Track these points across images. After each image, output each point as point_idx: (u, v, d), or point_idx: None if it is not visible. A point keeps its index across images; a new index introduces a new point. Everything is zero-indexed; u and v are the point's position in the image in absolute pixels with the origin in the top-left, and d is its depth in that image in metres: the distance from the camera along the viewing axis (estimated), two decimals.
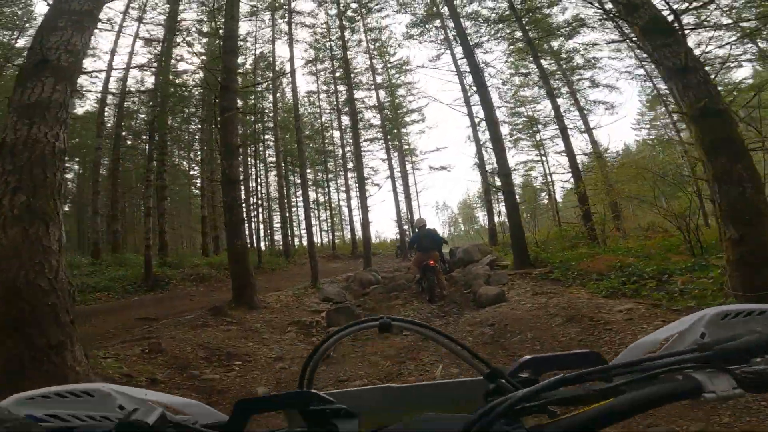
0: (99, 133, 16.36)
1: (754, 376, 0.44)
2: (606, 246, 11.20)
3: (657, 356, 0.47)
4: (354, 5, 18.11)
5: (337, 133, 27.51)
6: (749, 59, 13.64)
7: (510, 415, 0.42)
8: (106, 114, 18.77)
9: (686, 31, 4.40)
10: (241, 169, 23.93)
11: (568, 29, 16.05)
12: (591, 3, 8.46)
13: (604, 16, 13.39)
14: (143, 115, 16.95)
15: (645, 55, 17.39)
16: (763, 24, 9.89)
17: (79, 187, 25.79)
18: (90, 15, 3.84)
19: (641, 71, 18.55)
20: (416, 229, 9.32)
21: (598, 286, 6.22)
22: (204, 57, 14.64)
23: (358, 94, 21.61)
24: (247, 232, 30.50)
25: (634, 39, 5.06)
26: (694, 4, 5.99)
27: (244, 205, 21.97)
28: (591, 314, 4.59)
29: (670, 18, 4.32)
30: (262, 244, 27.17)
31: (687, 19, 5.97)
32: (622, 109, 55.22)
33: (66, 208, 25.22)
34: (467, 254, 12.68)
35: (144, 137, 16.51)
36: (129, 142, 21.69)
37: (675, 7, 4.52)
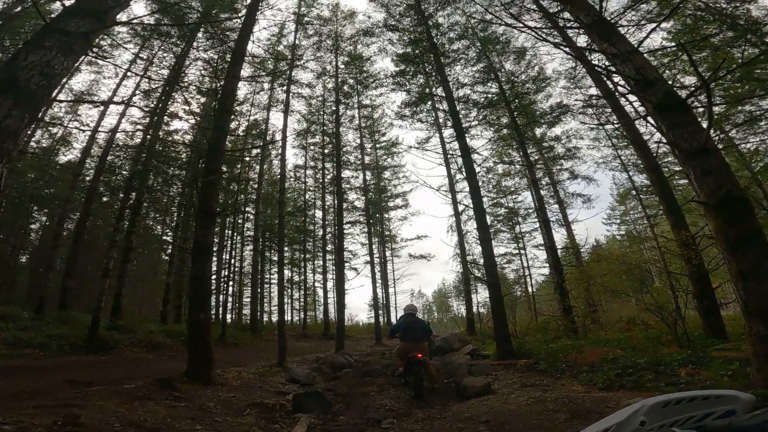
0: (73, 184, 15.74)
1: None
2: (588, 338, 10.82)
3: None
4: (351, 81, 18.65)
5: (319, 213, 27.37)
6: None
7: None
8: (87, 165, 18.25)
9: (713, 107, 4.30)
10: (216, 240, 23.30)
11: (551, 117, 16.55)
12: (603, 76, 8.34)
13: (586, 103, 14.21)
14: (125, 172, 16.34)
15: (623, 144, 18.57)
16: None
17: (42, 240, 24.27)
18: (84, 39, 3.53)
19: (617, 162, 19.56)
20: (403, 315, 7.92)
21: (592, 378, 5.70)
22: (198, 117, 14.68)
23: (345, 174, 21.67)
24: (213, 303, 28.73)
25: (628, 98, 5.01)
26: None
27: (214, 277, 21.15)
28: (597, 409, 4.05)
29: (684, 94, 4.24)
30: (228, 317, 25.65)
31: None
32: (597, 203, 57.92)
33: (23, 260, 23.59)
34: (446, 343, 12.52)
35: (121, 195, 15.90)
36: (105, 199, 20.95)
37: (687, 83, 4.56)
